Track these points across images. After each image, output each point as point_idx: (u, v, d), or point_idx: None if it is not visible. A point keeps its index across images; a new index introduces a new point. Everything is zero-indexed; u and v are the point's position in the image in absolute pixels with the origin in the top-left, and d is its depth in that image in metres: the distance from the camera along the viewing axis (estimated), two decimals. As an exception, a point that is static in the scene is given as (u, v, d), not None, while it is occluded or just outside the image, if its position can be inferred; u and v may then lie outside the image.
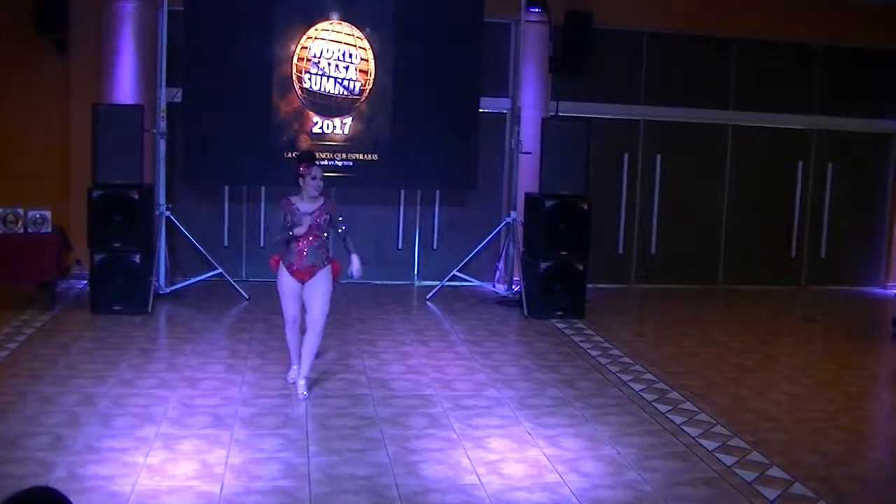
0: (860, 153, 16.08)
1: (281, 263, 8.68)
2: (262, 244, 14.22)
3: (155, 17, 13.22)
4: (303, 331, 8.81)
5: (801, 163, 15.89)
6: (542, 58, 14.38)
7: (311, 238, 8.52)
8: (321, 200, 8.63)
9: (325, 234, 8.64)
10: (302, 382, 8.73)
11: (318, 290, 8.62)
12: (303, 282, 8.63)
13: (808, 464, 7.40)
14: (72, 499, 3.30)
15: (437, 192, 14.82)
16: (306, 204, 8.58)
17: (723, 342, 11.72)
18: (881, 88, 15.94)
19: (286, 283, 8.67)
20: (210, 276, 13.41)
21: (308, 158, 8.80)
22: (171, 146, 13.27)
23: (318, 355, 9.10)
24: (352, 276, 8.85)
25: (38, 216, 12.01)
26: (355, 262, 8.71)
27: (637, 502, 6.53)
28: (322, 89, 13.25)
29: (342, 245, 8.79)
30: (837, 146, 15.96)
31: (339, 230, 8.69)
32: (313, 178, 8.52)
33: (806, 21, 15.08)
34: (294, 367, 9.04)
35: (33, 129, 13.89)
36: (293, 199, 8.62)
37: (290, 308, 8.76)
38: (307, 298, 8.67)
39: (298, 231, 8.42)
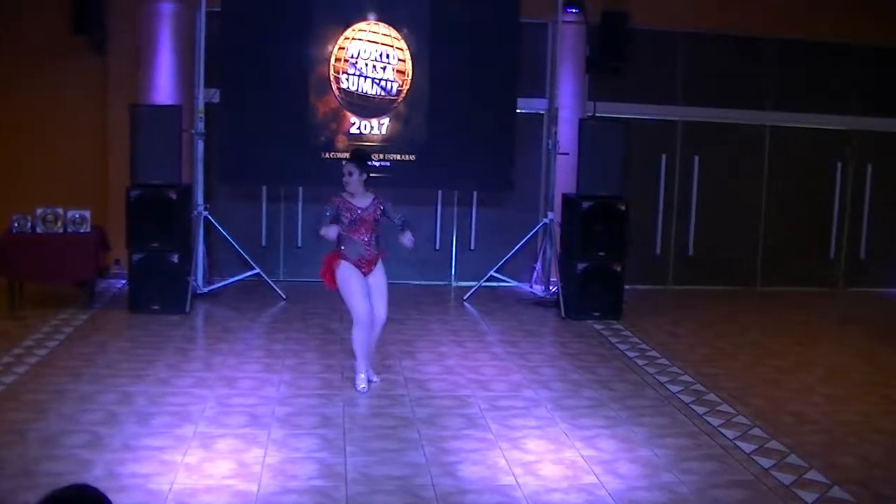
0: (899, 154, 15.95)
1: (343, 261, 8.70)
2: (298, 244, 14.25)
3: (193, 17, 13.29)
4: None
5: (839, 163, 15.76)
6: (579, 58, 14.34)
7: (371, 230, 8.71)
8: (371, 198, 8.78)
9: (378, 229, 8.85)
10: (363, 376, 8.91)
11: (381, 280, 8.90)
12: (366, 274, 8.75)
13: (847, 467, 7.35)
14: (110, 497, 3.32)
15: (474, 193, 14.81)
16: (358, 200, 8.74)
17: (760, 344, 11.65)
18: (921, 88, 15.81)
19: (355, 278, 8.68)
20: (247, 276, 13.46)
21: (350, 157, 8.94)
22: (209, 146, 13.33)
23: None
24: (405, 245, 8.84)
25: (77, 216, 12.08)
26: (407, 234, 8.79)
27: (674, 504, 6.52)
28: (359, 90, 13.27)
29: (399, 231, 8.88)
30: (876, 146, 15.81)
31: (398, 220, 8.88)
32: (342, 176, 8.69)
33: (845, 21, 14.93)
34: (362, 374, 8.90)
35: (72, 130, 14.00)
36: (346, 196, 8.73)
37: (364, 304, 8.69)
38: (373, 289, 8.81)
39: (328, 233, 8.57)
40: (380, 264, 8.90)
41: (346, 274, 8.68)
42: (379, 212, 8.77)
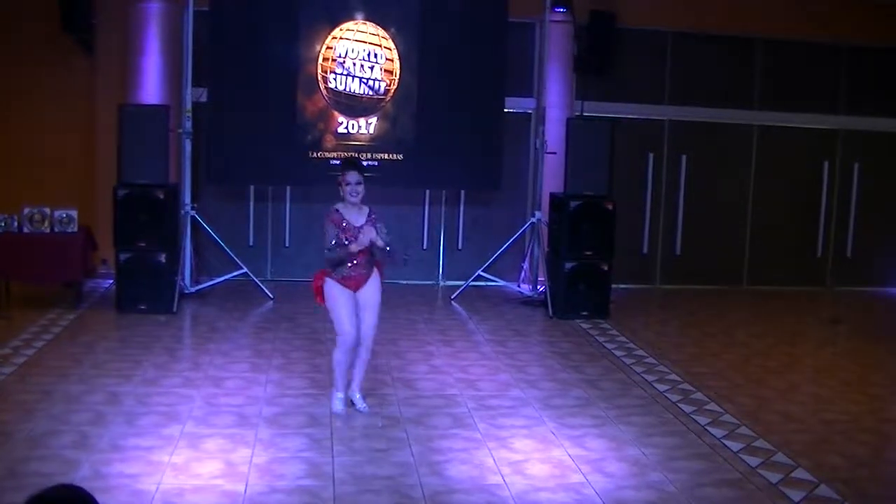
0: (886, 153, 15.94)
1: (328, 279, 8.16)
2: (286, 244, 14.24)
3: (181, 17, 13.27)
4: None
5: (826, 163, 15.80)
6: (567, 57, 14.36)
7: (364, 252, 8.10)
8: (367, 212, 8.20)
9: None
10: (359, 396, 8.42)
11: (374, 295, 8.25)
12: (356, 290, 8.19)
13: (834, 465, 7.37)
14: (97, 497, 3.32)
15: (462, 192, 14.82)
16: (355, 215, 8.14)
17: (747, 343, 11.69)
18: (908, 88, 15.86)
19: (343, 297, 8.14)
20: (235, 276, 13.44)
21: (345, 164, 8.47)
22: (197, 146, 13.32)
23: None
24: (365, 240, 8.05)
25: (64, 216, 12.06)
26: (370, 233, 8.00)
27: (661, 503, 6.52)
28: (347, 89, 13.26)
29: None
30: (863, 146, 15.86)
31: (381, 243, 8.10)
32: (348, 184, 8.07)
33: (831, 20, 14.97)
34: (339, 393, 8.36)
35: (60, 129, 13.97)
36: (340, 209, 8.13)
37: (348, 323, 8.13)
38: (362, 306, 8.22)
39: (354, 247, 7.98)
40: (374, 279, 8.28)
41: (334, 293, 8.16)
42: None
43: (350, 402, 8.42)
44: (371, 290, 8.26)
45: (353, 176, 8.09)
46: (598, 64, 14.37)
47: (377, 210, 8.31)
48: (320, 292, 8.27)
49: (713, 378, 9.83)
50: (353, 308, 8.19)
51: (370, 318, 8.25)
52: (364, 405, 8.38)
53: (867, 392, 9.58)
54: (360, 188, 8.09)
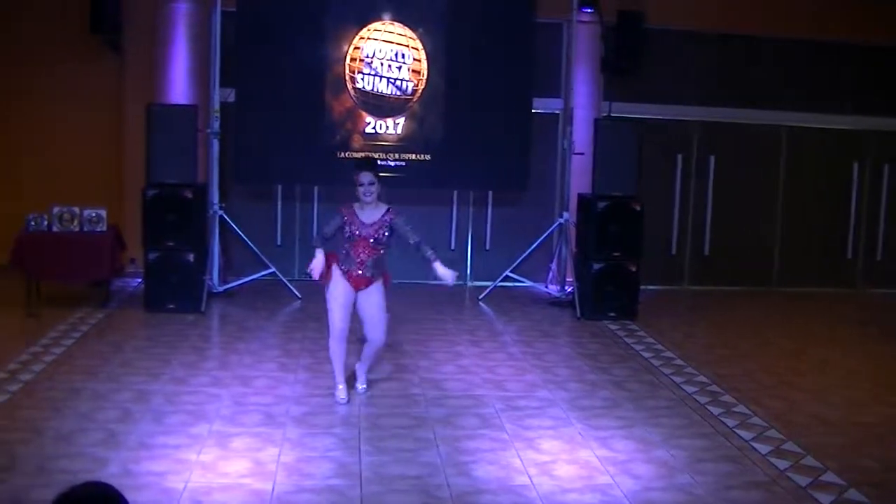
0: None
1: (336, 266, 8.32)
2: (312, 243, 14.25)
3: (208, 17, 13.31)
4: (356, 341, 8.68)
5: (856, 164, 15.71)
6: (595, 58, 14.32)
7: (370, 251, 8.22)
8: (383, 211, 8.25)
9: (382, 250, 8.32)
10: (362, 379, 8.82)
11: (375, 302, 8.37)
12: (357, 290, 8.34)
13: (864, 469, 7.31)
14: (125, 495, 3.33)
15: (490, 193, 14.80)
16: (367, 214, 8.23)
17: (777, 345, 11.62)
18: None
19: (340, 289, 8.30)
20: (263, 276, 13.45)
21: (359, 165, 8.44)
22: (225, 146, 13.35)
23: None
24: (446, 283, 8.35)
25: (93, 215, 12.09)
26: (440, 269, 8.20)
27: (689, 505, 6.50)
28: (375, 89, 13.27)
29: (418, 254, 8.35)
30: (894, 147, 15.74)
31: (411, 241, 8.30)
32: (361, 185, 8.15)
33: (864, 22, 14.88)
34: (341, 385, 8.53)
35: (88, 129, 14.07)
36: (355, 206, 8.26)
37: (339, 317, 8.34)
38: (363, 310, 8.38)
39: (314, 268, 8.27)
40: (376, 287, 8.39)
41: (334, 282, 8.35)
42: (384, 231, 8.24)
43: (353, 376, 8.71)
44: (371, 298, 8.39)
45: (365, 176, 8.19)
46: (626, 64, 14.30)
47: (399, 209, 8.39)
48: (328, 273, 8.39)
49: (742, 380, 9.78)
50: (349, 304, 8.37)
51: (372, 327, 8.44)
52: (363, 388, 8.77)
53: (898, 395, 9.52)
54: (374, 188, 8.19)
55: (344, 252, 8.34)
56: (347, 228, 8.25)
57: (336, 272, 8.36)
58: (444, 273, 8.22)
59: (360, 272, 8.27)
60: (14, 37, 13.87)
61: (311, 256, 8.32)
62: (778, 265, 15.72)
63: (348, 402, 8.45)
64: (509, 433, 7.83)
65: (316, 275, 8.32)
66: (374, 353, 8.73)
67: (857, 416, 8.74)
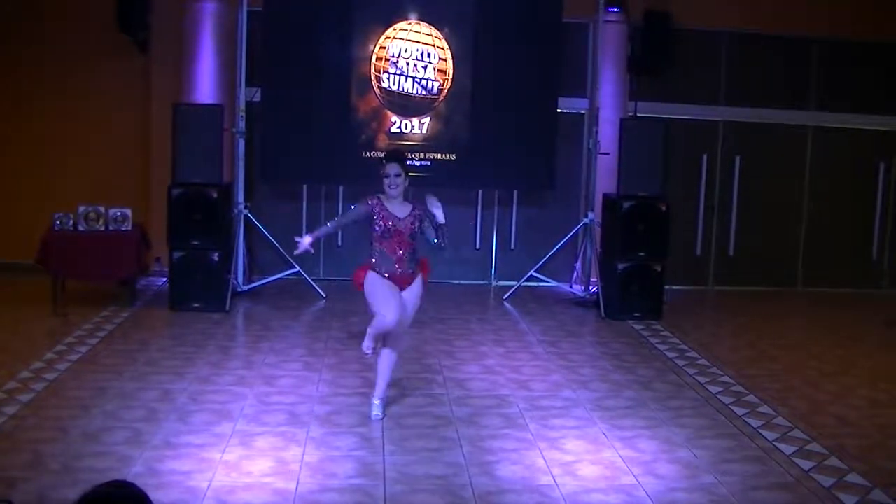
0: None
1: (371, 272, 7.79)
2: (339, 243, 14.28)
3: (235, 17, 13.32)
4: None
5: (882, 164, 15.62)
6: (621, 58, 14.30)
7: (407, 245, 7.83)
8: (410, 208, 7.88)
9: (415, 244, 7.92)
10: (378, 402, 8.12)
11: (415, 298, 7.96)
12: (401, 288, 7.85)
13: (889, 470, 7.27)
14: (149, 493, 3.33)
15: (515, 193, 14.79)
16: (397, 207, 7.83)
17: (801, 345, 11.56)
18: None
19: (387, 285, 7.76)
20: (288, 275, 13.48)
21: (387, 156, 8.16)
22: (250, 145, 13.41)
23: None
24: (434, 216, 7.82)
25: (118, 214, 12.14)
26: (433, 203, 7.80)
27: (714, 506, 6.48)
28: (400, 89, 13.30)
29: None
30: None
31: (439, 226, 7.85)
32: (387, 176, 7.77)
33: (888, 21, 14.81)
34: (377, 401, 8.12)
35: (114, 128, 14.12)
36: (382, 200, 7.83)
37: (392, 308, 7.68)
38: (403, 306, 7.82)
39: (302, 244, 7.93)
40: (418, 282, 7.98)
41: (372, 280, 7.80)
42: (417, 223, 7.86)
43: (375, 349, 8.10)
44: (414, 291, 7.96)
45: (392, 168, 7.81)
46: (652, 64, 14.27)
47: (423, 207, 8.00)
48: (360, 283, 7.88)
49: (767, 380, 9.74)
50: (398, 295, 7.79)
51: (403, 325, 7.95)
52: (378, 414, 8.06)
53: (924, 396, 9.47)
54: (400, 181, 7.80)
55: (377, 253, 7.83)
56: (379, 224, 7.77)
57: (375, 276, 7.83)
58: (436, 208, 7.81)
59: (400, 270, 7.80)
60: (41, 36, 13.91)
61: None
62: (803, 266, 15.65)
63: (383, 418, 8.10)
64: (533, 433, 7.82)
65: (302, 247, 7.97)
66: (393, 361, 8.18)
67: (881, 416, 8.70)
